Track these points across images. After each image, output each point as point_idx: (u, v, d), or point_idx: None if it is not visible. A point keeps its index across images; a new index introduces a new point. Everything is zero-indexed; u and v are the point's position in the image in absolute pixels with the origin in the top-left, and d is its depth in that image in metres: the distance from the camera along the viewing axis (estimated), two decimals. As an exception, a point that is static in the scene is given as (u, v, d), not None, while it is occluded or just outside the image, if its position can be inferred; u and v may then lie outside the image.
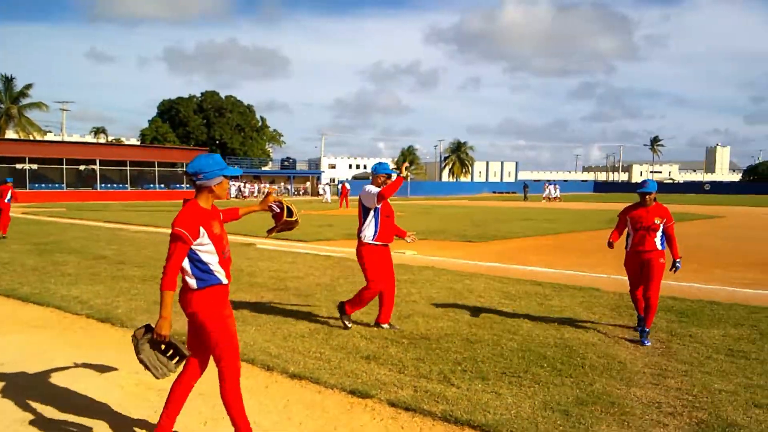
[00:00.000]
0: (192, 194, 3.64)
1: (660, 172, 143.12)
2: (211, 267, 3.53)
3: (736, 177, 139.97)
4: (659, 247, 6.22)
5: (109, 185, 51.59)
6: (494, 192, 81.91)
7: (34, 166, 48.51)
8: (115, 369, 5.19)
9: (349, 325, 6.49)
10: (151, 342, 3.49)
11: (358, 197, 6.62)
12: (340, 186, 43.63)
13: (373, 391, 4.62)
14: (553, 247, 15.24)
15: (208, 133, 72.13)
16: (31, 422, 4.14)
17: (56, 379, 5.00)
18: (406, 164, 6.95)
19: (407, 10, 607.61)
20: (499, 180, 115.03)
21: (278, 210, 4.30)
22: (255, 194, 59.34)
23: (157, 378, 3.54)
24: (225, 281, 3.61)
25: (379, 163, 6.66)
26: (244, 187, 60.17)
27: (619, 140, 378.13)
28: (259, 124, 77.64)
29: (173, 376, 3.67)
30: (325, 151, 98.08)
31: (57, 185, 48.56)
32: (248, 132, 75.12)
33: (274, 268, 10.69)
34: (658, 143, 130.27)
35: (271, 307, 7.50)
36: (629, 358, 5.54)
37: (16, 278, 9.60)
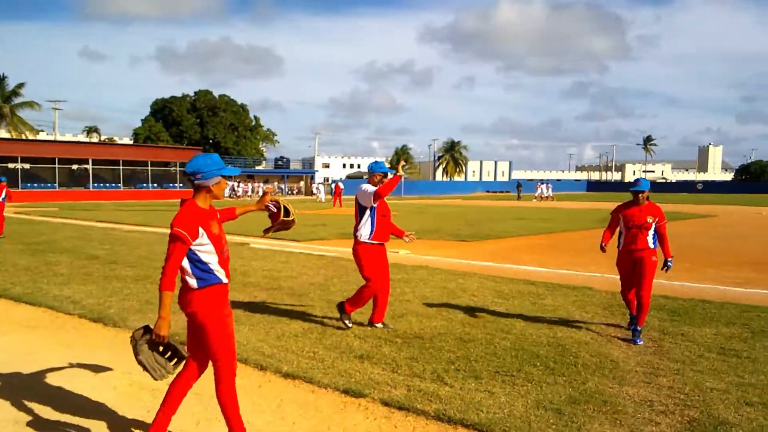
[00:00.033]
0: (188, 194, 3.64)
1: (653, 172, 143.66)
2: (211, 266, 3.53)
3: (729, 176, 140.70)
4: (651, 245, 6.25)
5: (101, 185, 51.40)
6: (488, 191, 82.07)
7: (27, 166, 48.32)
8: (108, 369, 5.17)
9: (350, 325, 6.47)
10: (150, 343, 3.49)
11: (354, 196, 6.60)
12: (333, 185, 43.53)
13: (366, 391, 4.63)
14: (547, 246, 15.28)
15: (201, 132, 71.92)
16: (25, 423, 4.13)
17: (49, 379, 4.98)
18: (402, 163, 6.95)
19: (401, 10, 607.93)
20: (492, 179, 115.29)
21: (275, 210, 4.30)
22: (249, 194, 59.23)
23: (155, 379, 3.53)
24: (225, 280, 3.62)
25: (376, 162, 6.65)
26: (238, 186, 60.06)
27: (612, 140, 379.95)
28: (253, 123, 77.50)
29: (171, 376, 3.66)
30: (318, 150, 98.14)
31: (49, 185, 48.37)
32: (242, 131, 74.96)
33: (267, 267, 10.68)
34: (651, 143, 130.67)
35: (265, 307, 7.49)
36: (622, 357, 5.56)
37: (8, 278, 9.56)
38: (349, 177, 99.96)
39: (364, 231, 6.45)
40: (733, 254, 13.57)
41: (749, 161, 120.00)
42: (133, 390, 4.76)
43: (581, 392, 4.62)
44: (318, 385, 4.81)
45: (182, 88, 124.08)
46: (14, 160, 46.29)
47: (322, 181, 67.55)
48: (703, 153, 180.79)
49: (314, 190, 57.61)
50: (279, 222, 4.34)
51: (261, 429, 4.05)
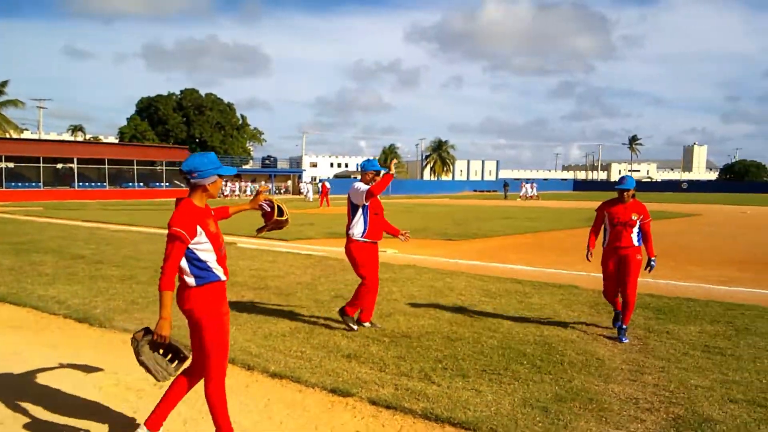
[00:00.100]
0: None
1: (638, 171, 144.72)
2: (209, 264, 3.53)
3: (713, 175, 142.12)
4: (636, 243, 6.26)
5: (86, 184, 51.01)
6: (475, 191, 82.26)
7: (11, 165, 47.85)
8: (94, 369, 5.14)
9: (355, 327, 6.41)
10: (151, 344, 3.46)
11: (347, 195, 6.58)
12: (320, 185, 43.45)
13: (354, 390, 4.63)
14: (533, 245, 15.35)
15: (187, 131, 71.54)
16: (8, 423, 4.09)
17: (34, 379, 4.94)
18: (395, 161, 6.93)
19: (389, 9, 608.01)
20: (480, 179, 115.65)
21: (269, 209, 4.30)
22: (237, 193, 58.99)
23: (158, 380, 3.51)
24: (223, 278, 3.62)
25: (368, 160, 6.62)
26: (225, 185, 59.77)
27: (598, 139, 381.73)
28: (240, 122, 77.17)
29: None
30: (306, 149, 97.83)
31: (34, 184, 47.95)
32: (228, 130, 74.65)
33: (254, 267, 10.64)
34: (637, 142, 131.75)
35: (252, 306, 7.47)
36: (607, 355, 5.60)
37: (-8, 278, 9.46)
38: (336, 176, 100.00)
39: (357, 229, 6.43)
40: (717, 253, 13.69)
41: (733, 161, 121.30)
42: (118, 390, 4.73)
43: (567, 390, 4.65)
44: (305, 385, 4.81)
45: (168, 87, 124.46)
46: (-2, 159, 45.84)
47: (309, 180, 67.35)
48: (688, 152, 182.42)
49: (302, 189, 57.49)
50: (272, 221, 4.34)
51: (248, 429, 4.04)
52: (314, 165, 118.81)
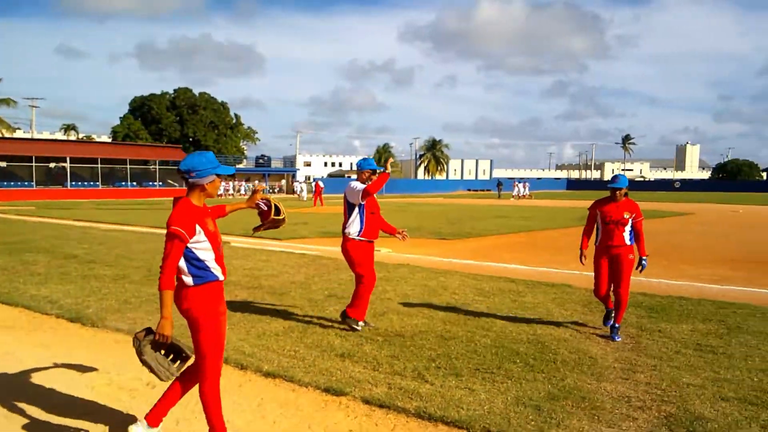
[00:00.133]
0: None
1: (631, 170, 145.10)
2: (208, 264, 3.53)
3: (706, 174, 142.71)
4: (628, 242, 6.25)
5: (79, 183, 50.83)
6: (469, 190, 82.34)
7: (3, 164, 47.65)
8: (86, 369, 5.12)
9: (359, 327, 6.36)
10: (153, 344, 3.45)
11: (343, 194, 6.57)
12: (313, 184, 43.38)
13: (347, 389, 4.63)
14: (527, 244, 15.39)
15: (181, 130, 71.32)
16: (0, 423, 4.08)
17: (26, 379, 4.92)
18: (391, 160, 6.91)
19: (383, 8, 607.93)
20: (474, 178, 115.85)
21: (265, 208, 4.29)
22: (230, 192, 58.87)
23: (162, 380, 3.49)
24: (221, 278, 3.61)
25: (365, 159, 6.60)
26: (218, 184, 59.57)
27: (591, 138, 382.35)
28: (234, 121, 77.00)
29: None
30: (300, 148, 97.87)
31: (26, 183, 47.75)
32: (222, 129, 74.47)
33: (248, 266, 10.63)
34: (630, 141, 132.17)
35: (245, 306, 7.46)
36: (600, 354, 5.62)
37: (-16, 278, 9.41)
38: (330, 175, 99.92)
39: (353, 228, 6.41)
40: (709, 252, 13.76)
41: (726, 160, 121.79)
42: (111, 390, 4.72)
43: (560, 389, 4.66)
44: (299, 384, 4.81)
45: (162, 86, 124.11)
46: (-10, 158, 45.63)
47: (304, 179, 67.26)
48: (681, 152, 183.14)
49: (296, 189, 57.41)
50: (269, 221, 4.34)
51: (241, 428, 4.03)
52: (308, 164, 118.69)
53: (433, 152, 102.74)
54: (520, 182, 55.08)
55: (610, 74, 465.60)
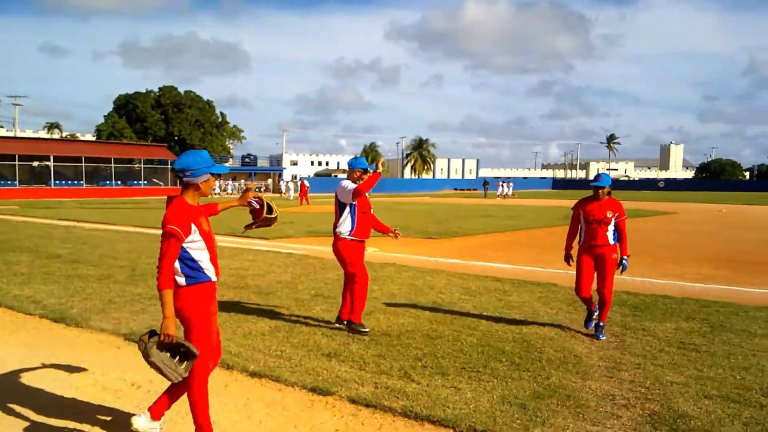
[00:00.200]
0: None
1: (616, 170, 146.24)
2: (202, 264, 3.52)
3: (690, 174, 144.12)
4: (611, 241, 6.23)
5: (63, 182, 50.35)
6: (456, 189, 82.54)
7: (-15, 163, 47.08)
8: (70, 370, 5.08)
9: (368, 329, 6.27)
10: (159, 345, 3.42)
11: (334, 193, 6.55)
12: (299, 183, 43.27)
13: (333, 389, 4.63)
14: (513, 243, 15.45)
15: (166, 128, 70.85)
16: (-18, 426, 4.04)
17: (9, 380, 4.88)
18: (382, 160, 6.88)
19: (369, 7, 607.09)
20: (460, 177, 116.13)
21: (258, 206, 4.29)
22: (216, 191, 58.57)
23: (172, 381, 3.46)
24: (214, 278, 3.62)
25: (356, 158, 6.56)
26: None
27: (577, 138, 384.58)
28: (219, 120, 76.56)
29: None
30: (286, 147, 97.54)
31: (9, 182, 47.24)
32: (208, 128, 74.04)
33: (234, 265, 10.59)
34: (614, 141, 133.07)
35: (232, 306, 7.43)
36: (585, 352, 5.66)
37: (-34, 278, 9.30)
38: (317, 174, 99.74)
39: (344, 228, 6.36)
40: (693, 251, 13.89)
41: (709, 159, 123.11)
42: (95, 390, 4.69)
43: (545, 387, 4.69)
44: (285, 384, 4.80)
45: (146, 84, 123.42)
46: (-28, 156, 45.08)
47: (290, 178, 67.07)
48: (665, 151, 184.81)
49: (282, 188, 57.22)
50: (261, 219, 4.35)
51: (227, 428, 4.02)
52: (295, 163, 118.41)
53: (420, 151, 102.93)
54: (504, 182, 55.24)
55: (595, 74, 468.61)
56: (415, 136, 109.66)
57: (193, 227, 3.45)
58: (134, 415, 3.67)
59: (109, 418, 4.16)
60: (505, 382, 4.81)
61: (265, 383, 4.85)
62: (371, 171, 6.42)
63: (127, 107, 70.60)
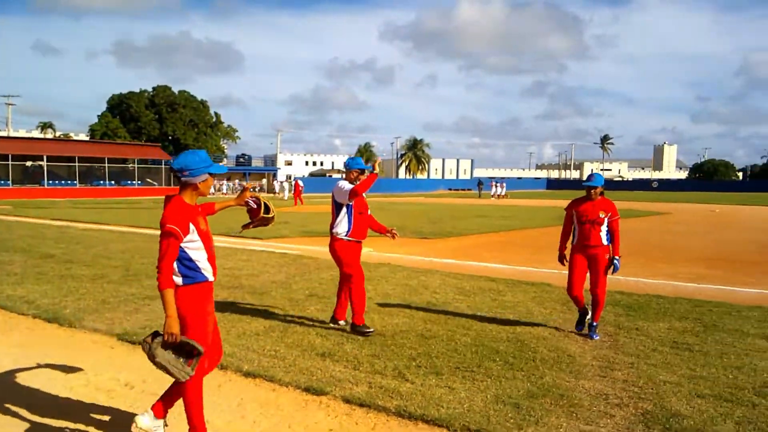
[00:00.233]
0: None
1: (610, 170, 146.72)
2: (199, 264, 3.52)
3: (683, 174, 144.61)
4: (605, 242, 6.23)
5: (56, 182, 50.15)
6: (450, 189, 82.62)
7: (-22, 162, 46.86)
8: (63, 370, 5.07)
9: (372, 330, 6.24)
10: (163, 344, 3.41)
11: (330, 193, 6.52)
12: (293, 183, 43.21)
13: (327, 388, 4.63)
14: (507, 243, 15.48)
15: (160, 128, 70.65)
16: (-26, 426, 4.02)
17: (2, 380, 4.86)
18: (379, 160, 6.86)
19: (363, 7, 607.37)
20: (455, 177, 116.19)
21: (255, 206, 4.29)
22: (210, 191, 58.44)
23: (180, 380, 3.45)
24: (211, 278, 3.62)
25: (353, 158, 6.53)
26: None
27: (570, 138, 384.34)
28: (213, 119, 76.42)
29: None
30: (281, 147, 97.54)
31: (2, 182, 47.00)
32: (202, 128, 73.86)
33: (228, 265, 10.57)
34: (608, 141, 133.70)
35: (226, 306, 7.42)
36: (578, 352, 5.68)
37: (-42, 278, 9.26)
38: (311, 174, 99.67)
39: (341, 228, 6.33)
40: (686, 251, 13.94)
41: (703, 160, 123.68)
42: (88, 390, 4.68)
43: (539, 386, 4.70)
44: (279, 384, 4.80)
45: (140, 84, 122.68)
46: (-36, 156, 44.86)
47: (285, 178, 66.99)
48: (659, 152, 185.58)
49: (276, 188, 57.22)
50: (258, 218, 4.35)
51: (221, 428, 4.02)
52: (289, 163, 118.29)
53: (414, 151, 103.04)
54: (497, 182, 55.29)
55: (588, 74, 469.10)
56: (409, 136, 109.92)
57: (192, 227, 3.45)
58: (136, 414, 3.66)
59: (102, 418, 4.15)
60: (499, 381, 4.83)
61: (259, 383, 4.85)
62: (368, 171, 6.40)
63: (120, 107, 70.38)
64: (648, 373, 5.03)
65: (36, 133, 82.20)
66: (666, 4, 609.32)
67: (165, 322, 3.35)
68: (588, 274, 6.33)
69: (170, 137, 70.94)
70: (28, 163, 50.32)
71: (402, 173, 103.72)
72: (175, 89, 73.16)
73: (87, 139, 69.72)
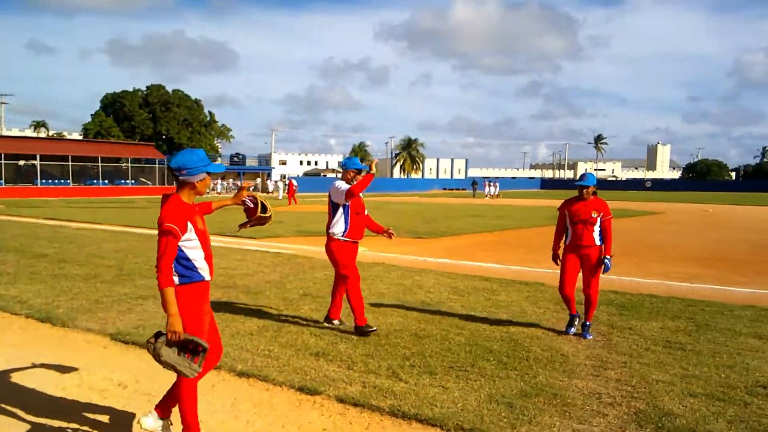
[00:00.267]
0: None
1: (604, 170, 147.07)
2: (196, 263, 3.52)
3: (676, 174, 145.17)
4: (598, 242, 6.23)
5: (49, 181, 49.98)
6: (445, 189, 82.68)
7: (-29, 161, 46.63)
8: (56, 369, 5.05)
9: (374, 328, 6.20)
10: (168, 343, 3.40)
11: (327, 193, 6.51)
12: (287, 182, 43.16)
13: (321, 388, 4.63)
14: (501, 243, 15.50)
15: (154, 127, 70.43)
16: (-34, 426, 4.00)
17: (-7, 381, 4.84)
18: (376, 161, 6.83)
19: (358, 7, 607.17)
20: (449, 177, 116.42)
21: (252, 205, 4.29)
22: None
23: (188, 377, 3.44)
24: (208, 278, 3.61)
25: (349, 158, 6.49)
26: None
27: (565, 138, 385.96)
28: (207, 119, 76.23)
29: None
30: (275, 147, 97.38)
31: (-5, 181, 46.82)
32: (196, 127, 73.67)
33: (222, 265, 10.55)
34: (602, 141, 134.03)
35: (220, 305, 7.40)
36: (571, 351, 5.69)
37: (-50, 278, 9.21)
38: (306, 174, 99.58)
39: (338, 228, 6.30)
40: (679, 250, 13.99)
41: (696, 160, 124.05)
42: (81, 390, 4.66)
43: (532, 386, 4.72)
44: (273, 383, 4.79)
45: (134, 83, 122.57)
46: (-43, 155, 44.63)
47: (280, 177, 66.92)
48: (652, 152, 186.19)
49: (270, 187, 57.14)
50: (256, 218, 4.34)
51: (214, 428, 4.01)
52: (284, 163, 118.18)
53: (409, 151, 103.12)
54: (491, 182, 55.35)
55: (583, 75, 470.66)
56: (404, 135, 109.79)
57: (189, 225, 3.45)
58: (139, 416, 3.65)
59: (95, 418, 4.14)
60: (493, 380, 4.83)
61: (253, 383, 4.84)
62: (365, 171, 6.38)
63: (114, 106, 70.14)
64: (641, 372, 5.05)
65: (29, 132, 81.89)
66: (659, 5, 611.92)
67: (167, 321, 3.33)
68: (581, 274, 6.35)
69: (164, 136, 70.74)
70: (21, 163, 50.11)
71: (396, 173, 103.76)
72: (169, 88, 73.01)
73: (80, 138, 69.43)
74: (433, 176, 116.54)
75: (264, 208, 4.30)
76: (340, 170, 6.56)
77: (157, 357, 3.39)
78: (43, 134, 79.52)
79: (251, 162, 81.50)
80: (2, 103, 71.48)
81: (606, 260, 6.21)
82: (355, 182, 6.29)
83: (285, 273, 9.89)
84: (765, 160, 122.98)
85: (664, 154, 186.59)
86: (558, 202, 6.75)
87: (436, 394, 4.51)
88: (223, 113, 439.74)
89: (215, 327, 3.78)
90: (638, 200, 43.64)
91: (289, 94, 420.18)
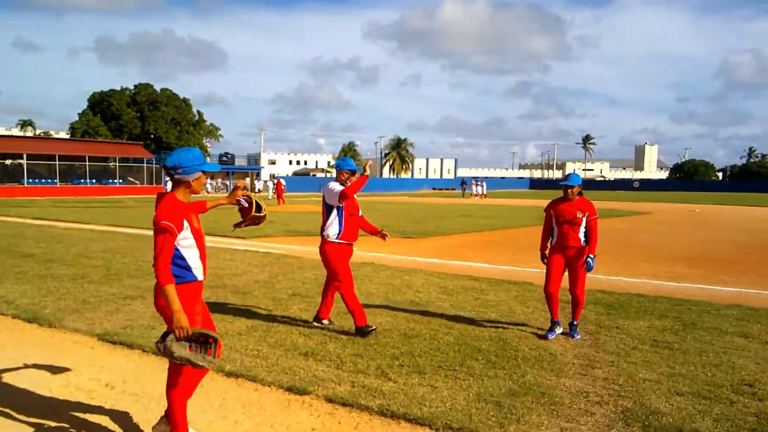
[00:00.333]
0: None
1: (592, 170, 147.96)
2: (191, 263, 3.51)
3: (664, 174, 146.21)
4: (584, 243, 6.23)
5: (36, 180, 49.52)
6: (434, 189, 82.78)
7: (-44, 161, 46.18)
8: (43, 370, 5.02)
9: (374, 327, 6.19)
10: (178, 340, 3.38)
11: (321, 194, 6.47)
12: (275, 182, 43.03)
13: (310, 388, 4.63)
14: (490, 242, 15.55)
15: (142, 126, 70.04)
16: (-48, 428, 3.97)
17: (-21, 382, 4.80)
18: (370, 162, 6.77)
19: (347, 6, 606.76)
20: (438, 177, 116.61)
21: (246, 205, 4.28)
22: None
23: (206, 368, 3.44)
24: (201, 278, 3.60)
25: (343, 160, 6.46)
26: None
27: (553, 138, 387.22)
28: (196, 118, 75.89)
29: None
30: (264, 146, 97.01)
31: (-19, 181, 46.38)
32: (184, 126, 73.33)
33: (211, 265, 10.45)
34: (590, 142, 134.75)
35: (208, 305, 7.24)
36: (559, 350, 5.72)
37: (-65, 278, 9.13)
38: (295, 173, 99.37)
39: (332, 231, 6.25)
40: (667, 250, 14.08)
41: (683, 160, 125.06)
42: (68, 391, 4.64)
43: (521, 385, 4.74)
44: (262, 383, 4.78)
45: (122, 82, 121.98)
46: (-58, 154, 44.16)
47: (269, 177, 66.70)
48: (640, 152, 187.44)
49: (258, 187, 56.97)
50: (250, 217, 4.34)
51: (203, 429, 4.00)
52: (273, 162, 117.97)
53: (399, 151, 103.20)
54: (478, 182, 55.44)
55: (571, 75, 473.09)
56: (393, 135, 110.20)
57: (185, 224, 3.45)
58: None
59: (82, 418, 4.12)
60: (481, 380, 4.85)
61: (242, 383, 4.83)
62: (359, 173, 6.35)
63: (102, 105, 69.67)
64: (628, 371, 5.09)
65: (16, 131, 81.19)
66: (647, 6, 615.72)
67: (173, 317, 3.32)
68: (567, 275, 6.36)
69: (152, 135, 70.35)
70: (8, 162, 49.65)
71: (386, 173, 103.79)
72: (158, 87, 72.66)
73: (68, 137, 68.88)
74: (423, 176, 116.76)
75: (259, 208, 4.30)
76: (330, 170, 6.54)
77: (170, 355, 3.38)
78: (29, 133, 78.94)
79: (240, 161, 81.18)
80: (-12, 101, 70.79)
81: (589, 259, 6.20)
82: (349, 184, 6.26)
83: (274, 273, 9.88)
84: (751, 160, 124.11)
85: (651, 154, 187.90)
86: (546, 202, 6.78)
87: (424, 394, 4.52)
88: (211, 112, 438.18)
89: (212, 326, 3.77)
90: (626, 200, 43.90)
91: (279, 94, 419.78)
